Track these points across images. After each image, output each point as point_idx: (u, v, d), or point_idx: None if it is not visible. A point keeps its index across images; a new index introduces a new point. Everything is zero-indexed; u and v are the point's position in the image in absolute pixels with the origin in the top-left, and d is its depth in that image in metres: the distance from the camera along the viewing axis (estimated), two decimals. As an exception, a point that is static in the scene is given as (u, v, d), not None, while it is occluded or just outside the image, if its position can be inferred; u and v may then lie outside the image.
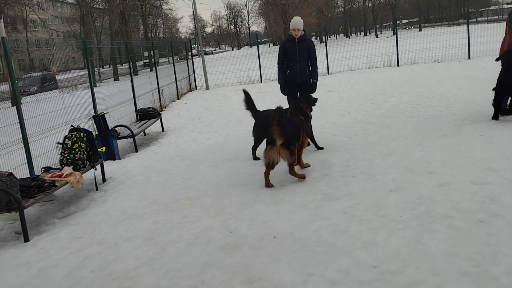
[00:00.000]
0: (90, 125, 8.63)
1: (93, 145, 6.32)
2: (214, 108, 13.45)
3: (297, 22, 7.19)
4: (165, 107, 14.81)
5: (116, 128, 8.53)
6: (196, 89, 20.16)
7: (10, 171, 4.88)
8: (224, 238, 4.24)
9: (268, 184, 5.58)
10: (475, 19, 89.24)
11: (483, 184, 4.80)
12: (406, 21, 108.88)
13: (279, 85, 7.62)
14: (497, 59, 7.84)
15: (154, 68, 15.38)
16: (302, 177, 5.72)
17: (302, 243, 3.95)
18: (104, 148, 7.49)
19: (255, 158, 7.02)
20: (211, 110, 13.21)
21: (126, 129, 8.67)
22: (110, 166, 7.39)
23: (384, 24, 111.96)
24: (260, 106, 12.55)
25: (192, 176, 6.49)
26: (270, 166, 5.55)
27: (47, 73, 38.45)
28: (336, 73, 19.09)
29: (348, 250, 3.70)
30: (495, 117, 7.63)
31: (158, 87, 14.77)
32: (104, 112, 8.45)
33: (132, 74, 11.99)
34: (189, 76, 20.16)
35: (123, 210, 5.35)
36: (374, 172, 5.67)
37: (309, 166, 6.23)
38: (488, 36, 22.27)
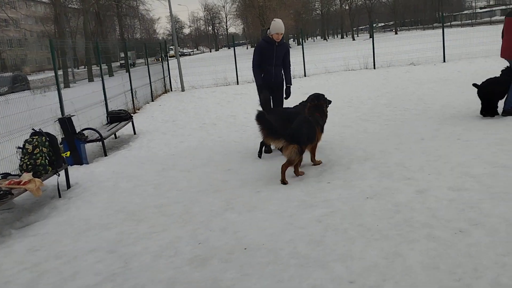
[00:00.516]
0: (57, 128, 8.27)
1: (56, 150, 5.98)
2: (188, 110, 13.14)
3: (280, 26, 6.89)
4: (138, 109, 14.43)
5: (84, 131, 8.17)
6: (171, 90, 19.79)
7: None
8: (193, 250, 3.98)
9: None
10: (449, 23, 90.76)
11: (462, 190, 4.66)
12: (383, 24, 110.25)
13: (256, 87, 7.30)
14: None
15: (128, 70, 14.98)
16: (284, 182, 5.57)
17: (275, 255, 3.72)
18: (68, 152, 7.13)
19: (260, 155, 7.04)
20: (185, 112, 12.90)
21: (95, 132, 8.31)
22: (76, 171, 7.03)
23: (361, 27, 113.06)
24: (237, 108, 12.38)
25: (162, 182, 6.20)
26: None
27: (18, 74, 37.46)
28: (313, 76, 18.98)
29: (323, 263, 3.49)
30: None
31: (131, 89, 14.39)
32: (71, 114, 8.08)
33: (103, 75, 11.57)
34: (164, 77, 19.79)
35: (87, 219, 5.04)
36: (350, 178, 5.49)
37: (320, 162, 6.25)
38: (462, 39, 22.57)
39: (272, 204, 4.90)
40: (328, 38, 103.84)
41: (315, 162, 6.24)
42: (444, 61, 18.81)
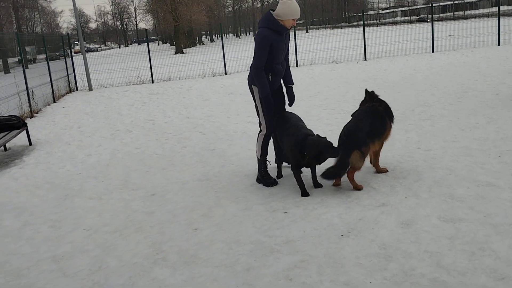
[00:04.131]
0: None
1: None
2: (97, 114, 11.40)
3: (298, 8, 4.85)
4: (36, 112, 12.37)
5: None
6: (76, 90, 17.65)
7: None
8: None
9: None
10: (355, 23, 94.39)
11: (456, 221, 3.72)
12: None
13: (258, 98, 5.01)
14: None
15: (23, 66, 12.82)
16: (359, 188, 4.63)
17: None
18: None
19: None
20: (94, 116, 11.16)
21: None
22: None
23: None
24: (155, 110, 10.86)
25: (64, 216, 4.68)
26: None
27: None
28: (234, 73, 17.87)
29: None
30: None
31: (27, 88, 12.31)
32: None
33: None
34: (68, 75, 17.59)
35: None
36: (310, 204, 4.38)
37: (386, 171, 5.14)
38: (374, 38, 22.70)
39: (218, 249, 3.64)
40: (240, 35, 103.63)
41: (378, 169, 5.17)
42: (365, 59, 18.58)
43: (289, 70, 5.25)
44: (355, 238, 3.61)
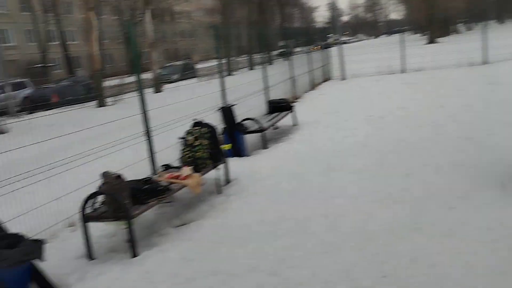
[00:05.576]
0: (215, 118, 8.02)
1: (216, 143, 5.54)
2: (351, 101, 12.14)
3: None
4: (297, 98, 13.88)
5: (244, 122, 7.77)
6: (331, 79, 18.95)
7: (118, 173, 4.24)
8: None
9: None
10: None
11: None
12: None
13: None
14: None
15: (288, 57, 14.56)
16: None
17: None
18: (229, 145, 6.67)
19: None
20: (348, 102, 11.92)
21: (255, 122, 7.86)
22: (235, 164, 6.55)
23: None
24: (407, 100, 10.93)
25: (328, 186, 5.37)
26: None
27: (187, 62, 40.14)
28: (496, 62, 16.43)
29: None
30: None
31: (292, 77, 13.93)
32: (233, 103, 7.72)
33: (263, 64, 11.17)
34: (323, 65, 19.00)
35: (246, 225, 4.43)
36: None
37: None
38: None
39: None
40: (504, 21, 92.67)
41: None
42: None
43: None
44: None
